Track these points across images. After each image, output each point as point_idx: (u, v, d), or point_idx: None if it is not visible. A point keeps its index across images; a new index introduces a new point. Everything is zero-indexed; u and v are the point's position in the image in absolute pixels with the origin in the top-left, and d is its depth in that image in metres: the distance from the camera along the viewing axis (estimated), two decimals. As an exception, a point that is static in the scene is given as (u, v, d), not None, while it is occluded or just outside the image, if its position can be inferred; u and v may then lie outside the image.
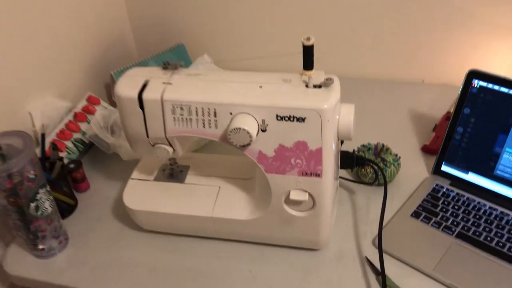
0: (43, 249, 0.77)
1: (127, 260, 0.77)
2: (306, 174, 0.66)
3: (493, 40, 1.04)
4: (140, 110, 0.67)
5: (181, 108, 0.65)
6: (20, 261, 0.79)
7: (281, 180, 0.67)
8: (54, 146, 0.83)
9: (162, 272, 0.75)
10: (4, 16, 0.84)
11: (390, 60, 1.15)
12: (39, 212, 0.73)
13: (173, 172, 0.81)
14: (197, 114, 0.65)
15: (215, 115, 0.65)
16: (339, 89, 0.64)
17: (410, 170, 0.89)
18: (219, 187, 0.77)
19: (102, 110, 0.99)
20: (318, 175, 0.65)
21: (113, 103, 1.08)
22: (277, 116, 0.63)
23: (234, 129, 0.62)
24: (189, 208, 0.74)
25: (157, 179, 0.80)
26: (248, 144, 0.64)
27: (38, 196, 0.72)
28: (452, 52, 1.09)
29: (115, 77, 1.07)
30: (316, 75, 0.65)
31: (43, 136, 0.84)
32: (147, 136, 0.70)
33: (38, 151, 0.87)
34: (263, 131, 0.64)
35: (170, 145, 0.71)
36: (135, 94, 0.66)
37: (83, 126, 0.97)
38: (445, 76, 1.12)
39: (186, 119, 0.66)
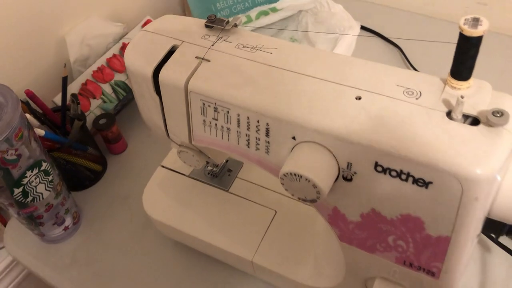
0: (42, 234, 0.60)
1: (144, 269, 0.57)
2: (411, 266, 0.37)
3: None
4: (157, 96, 0.41)
5: (215, 110, 0.38)
6: (20, 240, 0.63)
7: (365, 259, 0.39)
8: (73, 98, 0.61)
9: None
10: None
11: None
12: (29, 198, 0.54)
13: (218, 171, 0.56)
14: (238, 125, 0.38)
15: (267, 133, 0.37)
16: (516, 134, 0.31)
17: None
18: (275, 212, 0.51)
19: (158, 46, 0.74)
20: (432, 274, 0.36)
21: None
22: (376, 164, 0.33)
23: (290, 174, 0.34)
24: (224, 240, 0.50)
25: (194, 174, 0.56)
26: (314, 201, 0.35)
27: (26, 180, 0.52)
28: None
29: (189, 0, 0.80)
30: (474, 93, 0.33)
31: (65, 80, 0.63)
32: (167, 135, 0.45)
33: (59, 97, 0.67)
34: (347, 180, 0.35)
35: (201, 151, 0.45)
36: (149, 70, 0.40)
37: (130, 65, 0.74)
38: None
39: (222, 127, 0.39)
